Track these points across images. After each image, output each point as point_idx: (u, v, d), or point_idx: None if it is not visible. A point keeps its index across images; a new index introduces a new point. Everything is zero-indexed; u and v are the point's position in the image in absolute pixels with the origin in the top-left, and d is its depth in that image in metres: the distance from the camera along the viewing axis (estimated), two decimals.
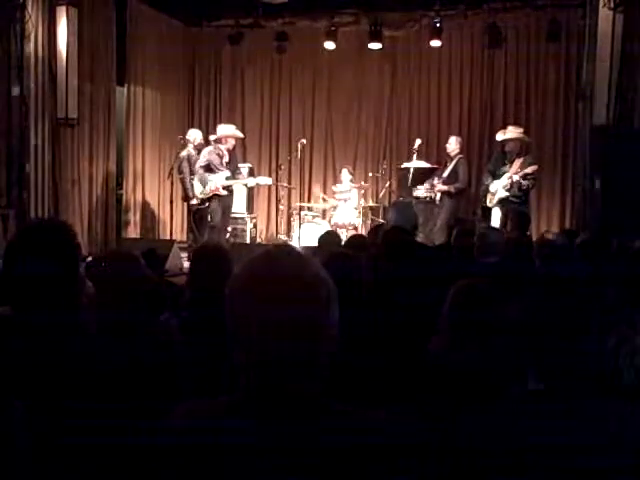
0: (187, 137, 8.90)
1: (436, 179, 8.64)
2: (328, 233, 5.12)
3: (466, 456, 1.55)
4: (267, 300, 1.12)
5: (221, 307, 1.20)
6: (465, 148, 10.08)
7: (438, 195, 8.57)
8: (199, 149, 8.60)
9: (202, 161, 8.20)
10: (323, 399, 1.17)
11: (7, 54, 7.34)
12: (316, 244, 4.90)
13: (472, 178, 10.03)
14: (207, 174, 8.13)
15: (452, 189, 8.50)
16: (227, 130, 8.53)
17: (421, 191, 8.71)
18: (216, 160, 8.19)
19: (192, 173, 8.50)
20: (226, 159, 8.31)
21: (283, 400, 1.14)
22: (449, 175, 8.62)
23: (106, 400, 1.81)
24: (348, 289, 2.08)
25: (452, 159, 8.72)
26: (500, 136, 8.24)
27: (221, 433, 1.15)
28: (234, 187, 8.55)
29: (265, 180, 9.13)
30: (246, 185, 9.10)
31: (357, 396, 1.34)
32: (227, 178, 8.27)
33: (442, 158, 9.58)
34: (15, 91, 7.42)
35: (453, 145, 8.74)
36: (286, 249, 1.23)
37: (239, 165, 9.59)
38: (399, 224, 6.32)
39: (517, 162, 7.99)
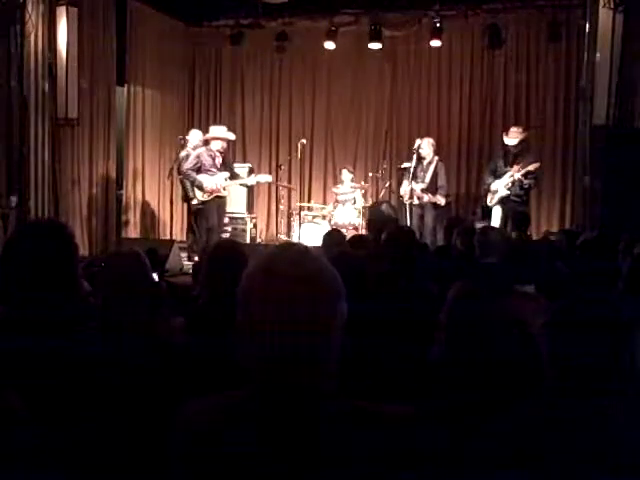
0: (187, 137, 8.91)
1: (409, 182, 8.45)
2: (332, 232, 5.12)
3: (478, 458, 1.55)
4: (278, 298, 1.13)
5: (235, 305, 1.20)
6: (465, 148, 10.12)
7: (416, 200, 8.47)
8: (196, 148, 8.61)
9: (191, 163, 8.12)
10: (335, 396, 1.17)
11: (7, 54, 7.33)
12: (320, 243, 4.90)
13: (472, 177, 10.07)
14: (199, 176, 8.09)
15: (442, 201, 8.41)
16: (216, 132, 8.47)
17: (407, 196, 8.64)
18: (208, 161, 8.14)
19: (180, 173, 8.49)
20: (219, 160, 8.25)
21: (293, 397, 1.14)
22: (431, 180, 8.53)
23: (105, 398, 1.81)
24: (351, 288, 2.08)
25: (430, 163, 8.58)
26: (511, 141, 8.12)
27: (230, 431, 1.15)
28: (233, 188, 8.52)
29: (265, 178, 9.11)
30: (246, 185, 9.06)
31: (360, 392, 1.33)
32: (226, 179, 8.26)
33: (441, 158, 9.57)
34: (15, 91, 7.42)
35: (427, 149, 8.57)
36: (295, 247, 1.24)
37: (239, 165, 9.59)
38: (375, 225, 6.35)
39: (519, 161, 8.00)
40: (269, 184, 10.07)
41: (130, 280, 2.23)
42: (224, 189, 8.23)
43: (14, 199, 7.47)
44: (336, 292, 1.18)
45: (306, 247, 1.25)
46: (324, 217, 9.53)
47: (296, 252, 1.20)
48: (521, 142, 8.13)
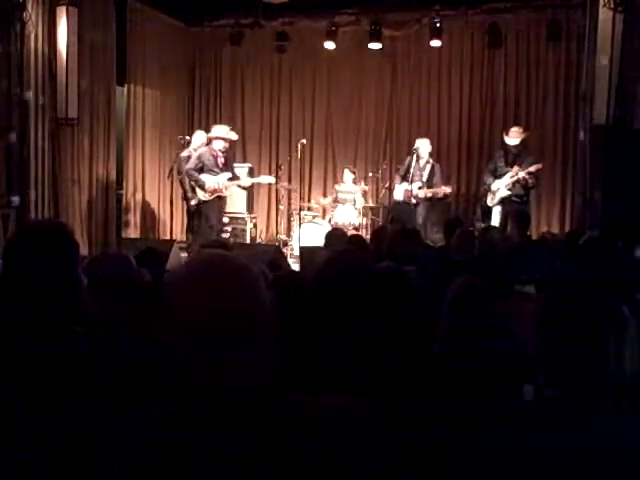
0: (189, 137, 8.88)
1: (408, 183, 8.53)
2: (335, 230, 5.13)
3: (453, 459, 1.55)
4: (203, 300, 1.16)
5: None
6: (465, 148, 10.12)
7: (413, 200, 8.53)
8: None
9: (193, 163, 8.05)
10: (273, 391, 1.17)
11: (7, 54, 7.33)
12: (323, 242, 4.92)
13: (471, 177, 10.07)
14: (201, 175, 8.05)
15: (447, 190, 8.53)
16: (218, 131, 8.37)
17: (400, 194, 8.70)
18: (210, 161, 8.08)
19: (180, 173, 8.46)
20: (221, 160, 8.19)
21: (231, 399, 1.14)
22: (428, 179, 8.64)
23: (102, 398, 1.81)
24: (349, 286, 2.09)
25: (427, 162, 8.68)
26: (512, 140, 8.13)
27: (174, 439, 1.14)
28: (233, 188, 8.47)
29: (267, 179, 9.09)
30: (240, 186, 8.84)
31: (355, 392, 1.33)
32: (229, 179, 8.22)
33: (441, 158, 9.59)
34: (15, 91, 7.42)
35: (425, 150, 8.69)
36: (215, 250, 1.32)
37: (239, 165, 9.57)
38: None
39: (520, 161, 8.00)
40: (269, 184, 10.05)
41: (110, 281, 2.22)
42: (226, 189, 8.20)
43: (16, 199, 7.46)
44: (255, 283, 1.21)
45: (225, 245, 1.31)
46: (323, 216, 9.52)
47: (216, 255, 1.25)
48: (522, 142, 8.15)
